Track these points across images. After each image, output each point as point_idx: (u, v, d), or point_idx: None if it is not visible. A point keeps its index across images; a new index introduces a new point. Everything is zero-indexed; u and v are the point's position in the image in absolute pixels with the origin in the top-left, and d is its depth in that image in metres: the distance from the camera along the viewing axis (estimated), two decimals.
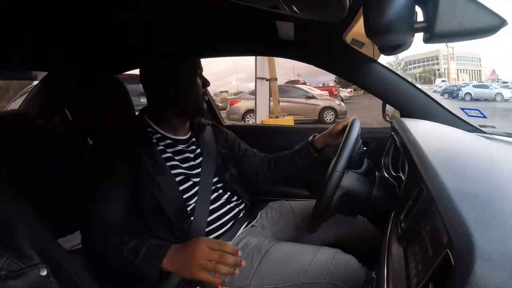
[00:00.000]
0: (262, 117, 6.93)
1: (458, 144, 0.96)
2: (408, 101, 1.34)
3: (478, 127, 1.26)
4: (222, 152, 1.28)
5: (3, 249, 0.61)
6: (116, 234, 0.95)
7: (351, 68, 1.38)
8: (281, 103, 7.88)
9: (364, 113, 10.17)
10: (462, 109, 1.40)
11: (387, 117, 1.51)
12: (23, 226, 0.68)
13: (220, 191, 1.21)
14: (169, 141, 1.14)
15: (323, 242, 1.15)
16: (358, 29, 1.21)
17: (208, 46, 1.21)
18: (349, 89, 27.07)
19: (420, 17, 0.58)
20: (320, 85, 22.26)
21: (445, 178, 0.60)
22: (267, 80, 6.75)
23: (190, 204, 1.10)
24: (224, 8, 1.01)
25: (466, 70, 68.44)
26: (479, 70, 71.47)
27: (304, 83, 19.68)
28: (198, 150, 1.20)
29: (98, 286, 0.79)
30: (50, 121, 1.59)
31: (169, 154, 1.11)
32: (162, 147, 1.11)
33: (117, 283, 0.97)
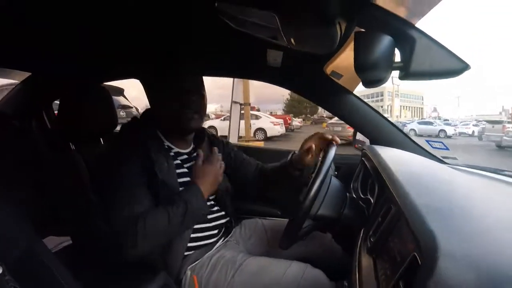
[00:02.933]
0: (232, 140, 6.98)
1: (423, 168, 1.07)
2: (378, 130, 1.46)
3: (441, 158, 1.37)
4: None
5: None
6: (156, 209, 0.99)
7: (329, 97, 1.50)
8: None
9: None
10: (427, 141, 1.53)
11: (356, 145, 1.63)
12: None
13: (212, 202, 1.23)
14: (176, 150, 1.18)
15: (293, 257, 1.18)
16: (338, 62, 1.32)
17: (195, 64, 1.24)
18: (299, 119, 28.15)
19: (397, 58, 0.69)
20: (268, 113, 23.42)
21: (413, 195, 0.70)
22: (241, 104, 6.84)
23: None
24: (219, 29, 1.05)
25: (409, 107, 71.25)
26: (421, 108, 74.72)
27: (258, 110, 21.30)
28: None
29: (81, 285, 0.80)
30: (27, 124, 1.58)
31: (179, 161, 1.16)
32: (172, 154, 1.15)
33: (101, 283, 1.00)
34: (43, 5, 0.92)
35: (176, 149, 1.17)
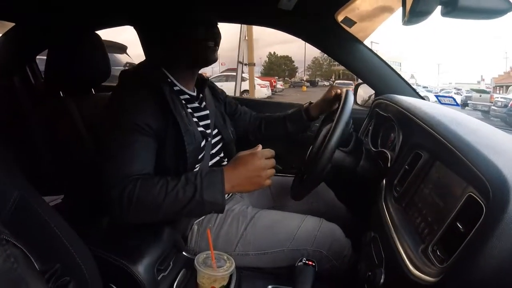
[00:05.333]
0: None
1: (453, 112, 1.01)
2: (386, 81, 1.44)
3: None
4: (220, 108, 1.23)
5: None
6: (155, 180, 0.85)
7: (338, 46, 1.45)
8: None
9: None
10: (437, 96, 1.54)
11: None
12: None
13: (217, 149, 1.14)
14: (187, 96, 1.05)
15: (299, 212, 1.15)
16: (352, 7, 1.28)
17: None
18: (280, 82, 28.10)
19: None
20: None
21: (462, 133, 0.68)
22: (245, 64, 6.65)
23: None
24: None
25: None
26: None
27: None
28: (206, 111, 1.11)
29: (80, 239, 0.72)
30: (8, 80, 1.43)
31: (190, 110, 1.03)
32: (184, 101, 1.01)
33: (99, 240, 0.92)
34: None
35: (186, 94, 1.05)
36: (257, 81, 15.19)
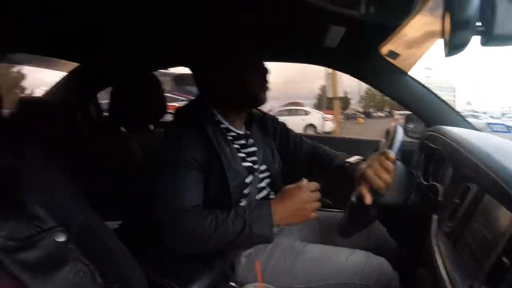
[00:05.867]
0: None
1: (502, 142, 0.98)
2: (436, 113, 1.40)
3: None
4: (269, 143, 1.24)
5: (6, 209, 0.50)
6: (205, 214, 0.91)
7: (384, 79, 1.45)
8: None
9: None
10: (489, 124, 1.46)
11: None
12: (34, 180, 0.59)
13: (265, 184, 1.17)
14: (233, 133, 1.10)
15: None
16: (395, 40, 1.29)
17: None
18: None
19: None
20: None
21: (509, 164, 0.65)
22: (330, 99, 6.78)
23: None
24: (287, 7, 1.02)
25: None
26: (453, 101, 70.16)
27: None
28: (254, 147, 1.16)
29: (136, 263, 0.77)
30: (73, 114, 1.61)
31: (237, 146, 1.09)
32: (230, 138, 1.07)
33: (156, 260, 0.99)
34: None
35: (233, 132, 1.10)
36: (322, 114, 15.07)
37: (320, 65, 1.59)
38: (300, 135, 1.37)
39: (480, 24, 0.66)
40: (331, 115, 15.31)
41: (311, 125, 14.03)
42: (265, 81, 1.06)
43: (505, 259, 0.51)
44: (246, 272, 1.05)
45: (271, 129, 1.29)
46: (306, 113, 13.78)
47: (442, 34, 0.71)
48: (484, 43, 0.67)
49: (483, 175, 0.70)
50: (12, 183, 0.54)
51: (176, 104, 3.87)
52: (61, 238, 0.54)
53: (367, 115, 43.90)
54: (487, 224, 0.64)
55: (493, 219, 0.63)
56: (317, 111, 16.61)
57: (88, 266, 0.58)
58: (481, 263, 0.59)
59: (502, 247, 0.53)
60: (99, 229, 0.72)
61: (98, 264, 0.61)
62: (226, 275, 1.03)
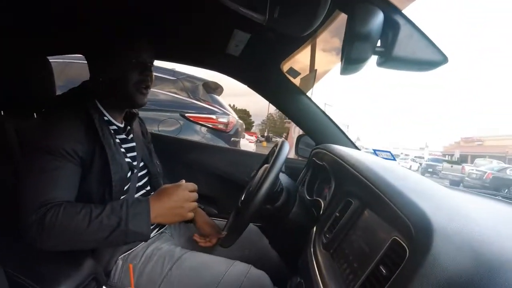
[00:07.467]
0: None
1: (385, 161, 1.08)
2: (324, 131, 1.49)
3: None
4: (147, 144, 1.22)
5: None
6: (78, 208, 0.83)
7: (281, 95, 1.49)
8: None
9: None
10: (374, 150, 1.59)
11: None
12: None
13: (143, 183, 1.12)
14: (115, 127, 1.04)
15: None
16: (296, 59, 1.32)
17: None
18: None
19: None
20: None
21: (390, 179, 0.69)
22: None
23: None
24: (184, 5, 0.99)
25: None
26: None
27: None
28: (133, 143, 1.10)
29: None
30: None
31: (118, 140, 1.01)
32: (112, 131, 1.00)
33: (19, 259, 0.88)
34: None
35: (114, 125, 1.04)
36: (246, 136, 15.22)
37: (222, 73, 1.54)
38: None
39: (379, 45, 0.67)
40: (253, 137, 15.73)
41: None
42: (144, 84, 1.01)
43: (382, 269, 0.52)
44: (123, 275, 0.99)
45: (146, 135, 1.26)
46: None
47: (342, 48, 0.70)
48: (381, 64, 0.70)
49: (367, 190, 0.73)
50: None
51: (213, 117, 3.39)
52: None
53: (267, 139, 46.64)
54: (365, 237, 0.67)
55: (371, 231, 0.65)
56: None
57: None
58: (357, 273, 0.60)
59: (379, 257, 0.54)
60: None
61: None
62: (97, 278, 0.94)
